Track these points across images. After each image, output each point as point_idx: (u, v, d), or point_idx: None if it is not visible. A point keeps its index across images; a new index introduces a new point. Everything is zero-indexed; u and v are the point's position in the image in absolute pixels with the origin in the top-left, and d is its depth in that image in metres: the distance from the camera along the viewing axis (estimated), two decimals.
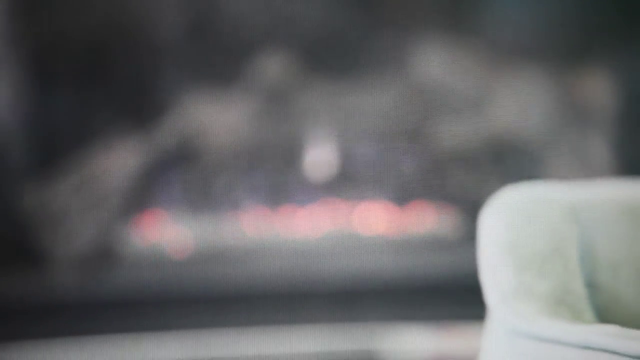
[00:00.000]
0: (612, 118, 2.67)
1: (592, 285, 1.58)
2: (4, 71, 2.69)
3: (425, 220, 2.67)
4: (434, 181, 2.68)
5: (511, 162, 2.66)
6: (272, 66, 2.68)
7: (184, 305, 2.61)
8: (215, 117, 2.70)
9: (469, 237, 2.02)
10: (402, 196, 2.66)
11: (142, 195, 2.71)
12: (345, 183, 2.69)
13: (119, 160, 2.69)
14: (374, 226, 2.69)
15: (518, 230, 1.56)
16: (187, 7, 2.73)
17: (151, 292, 2.63)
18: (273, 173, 2.70)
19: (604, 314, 1.57)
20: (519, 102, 2.68)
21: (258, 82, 2.68)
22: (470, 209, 2.34)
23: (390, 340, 2.55)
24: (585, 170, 2.60)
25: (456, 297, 2.34)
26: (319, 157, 2.69)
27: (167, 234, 2.70)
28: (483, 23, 2.74)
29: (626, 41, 2.67)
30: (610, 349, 1.27)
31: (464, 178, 2.66)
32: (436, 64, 2.66)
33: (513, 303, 1.50)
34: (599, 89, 2.66)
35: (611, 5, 2.71)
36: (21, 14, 2.73)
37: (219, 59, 2.71)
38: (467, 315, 2.33)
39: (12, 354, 2.59)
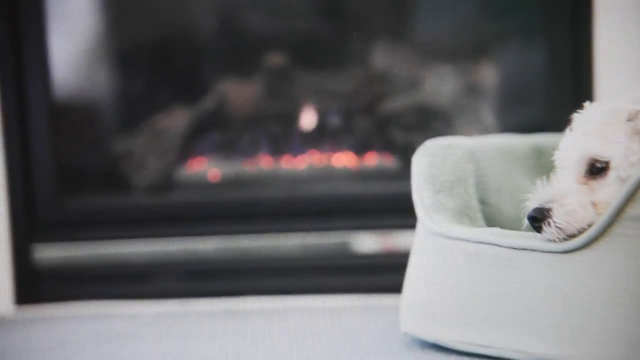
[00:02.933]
0: (496, 95, 2.90)
1: (483, 203, 2.06)
2: (101, 63, 3.02)
3: (376, 161, 2.94)
4: (382, 137, 2.95)
5: (432, 124, 2.89)
6: (275, 60, 2.97)
7: (217, 214, 2.92)
8: (238, 94, 3.01)
9: (405, 172, 2.10)
10: (361, 148, 2.96)
11: (190, 145, 3.03)
12: (323, 139, 2.98)
13: (175, 122, 3.02)
14: (341, 164, 2.96)
15: (435, 166, 2.01)
16: (218, 19, 2.99)
17: (197, 203, 2.96)
18: (276, 132, 3.00)
19: (491, 222, 2.03)
20: (438, 84, 2.92)
21: (265, 71, 2.98)
22: (406, 154, 2.45)
23: (355, 238, 2.87)
24: (479, 129, 2.81)
25: (398, 211, 2.53)
26: (306, 122, 2.99)
27: (206, 169, 3.00)
28: (416, 30, 2.99)
29: (506, 43, 2.87)
30: (494, 243, 1.82)
31: (402, 135, 2.90)
32: (383, 58, 2.93)
33: (433, 214, 1.95)
34: (489, 75, 2.90)
35: (496, 20, 2.87)
36: (111, 24, 3.03)
37: (240, 55, 3.00)
38: (405, 223, 2.47)
39: (109, 245, 2.93)
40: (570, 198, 1.76)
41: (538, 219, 1.76)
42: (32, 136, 2.97)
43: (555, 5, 2.78)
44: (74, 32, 3.02)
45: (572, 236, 1.72)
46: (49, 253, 2.96)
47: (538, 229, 1.75)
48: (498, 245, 1.81)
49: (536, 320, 1.75)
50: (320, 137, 2.98)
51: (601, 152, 1.77)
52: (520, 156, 2.13)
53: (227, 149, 3.01)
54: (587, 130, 1.80)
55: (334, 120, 2.97)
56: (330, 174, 2.96)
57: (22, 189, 2.96)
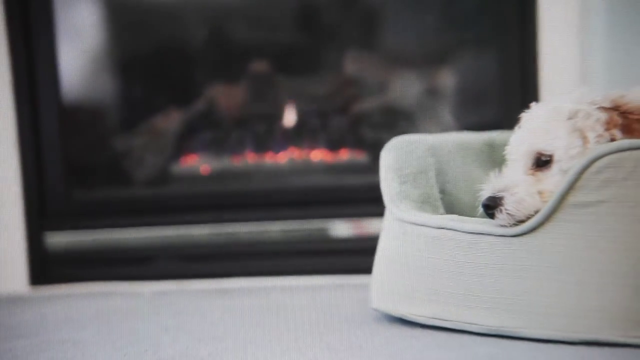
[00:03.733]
0: (454, 97, 2.88)
1: (443, 192, 2.02)
2: (105, 71, 3.00)
3: (348, 156, 2.93)
4: (353, 135, 2.94)
5: (398, 123, 2.88)
6: (259, 67, 2.96)
7: (208, 204, 2.92)
8: (226, 97, 2.99)
9: (374, 165, 2.07)
10: (335, 144, 2.95)
11: (184, 143, 3.02)
12: (302, 137, 2.97)
13: (170, 123, 3.00)
14: (318, 158, 2.95)
15: (400, 160, 1.97)
16: (208, 31, 2.97)
17: (190, 195, 2.96)
18: (260, 131, 2.98)
19: (450, 209, 2.00)
20: (403, 88, 2.90)
21: (250, 76, 2.96)
22: (375, 150, 2.39)
23: (331, 224, 2.86)
24: (439, 127, 2.80)
25: (368, 200, 2.46)
26: (287, 122, 2.98)
27: (198, 164, 2.98)
28: (383, 40, 2.96)
29: (463, 52, 2.85)
30: (453, 228, 1.82)
31: (371, 133, 2.90)
32: (354, 65, 2.93)
33: (398, 202, 1.93)
34: (447, 80, 2.87)
35: (454, 31, 2.86)
36: (113, 36, 3.00)
37: (227, 63, 2.98)
38: (374, 211, 2.44)
39: (112, 232, 2.91)
40: (519, 187, 1.76)
41: (491, 207, 1.76)
42: (43, 136, 2.97)
43: (506, 19, 2.77)
44: (81, 44, 3.00)
45: (521, 221, 1.72)
46: (59, 239, 2.97)
47: (491, 216, 1.75)
48: (456, 230, 1.81)
49: (489, 295, 1.75)
50: (299, 135, 2.97)
51: (545, 147, 1.77)
52: (475, 151, 2.12)
53: (217, 146, 3.00)
54: (533, 127, 1.81)
55: (311, 120, 2.97)
56: (308, 168, 2.96)
57: (35, 183, 2.96)
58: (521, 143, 1.83)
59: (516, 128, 1.87)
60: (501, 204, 1.76)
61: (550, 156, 1.77)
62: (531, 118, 1.84)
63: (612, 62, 2.41)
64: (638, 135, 1.71)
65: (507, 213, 1.75)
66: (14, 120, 2.93)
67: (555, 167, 1.75)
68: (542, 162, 1.77)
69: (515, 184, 1.78)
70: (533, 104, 1.87)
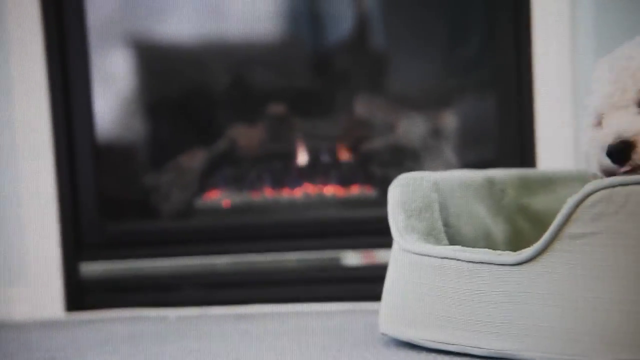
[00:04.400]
0: (456, 137, 2.86)
1: (446, 225, 2.01)
2: (136, 113, 3.01)
3: (359, 191, 2.93)
4: (363, 172, 2.93)
5: (404, 161, 2.87)
6: (276, 109, 2.95)
7: (229, 235, 2.92)
8: (246, 137, 2.98)
9: (383, 200, 2.05)
10: (347, 180, 2.95)
11: (207, 179, 3.01)
12: (316, 173, 2.97)
13: (195, 161, 3.00)
14: (331, 193, 2.95)
15: (407, 195, 1.97)
16: (230, 77, 2.98)
17: (212, 227, 2.95)
18: (277, 168, 2.98)
19: (452, 241, 1.99)
20: (410, 128, 2.89)
21: (268, 118, 2.97)
22: (383, 185, 2.42)
23: (343, 254, 2.85)
24: (442, 165, 2.78)
25: (377, 232, 2.43)
26: (302, 159, 2.98)
27: (220, 198, 2.99)
28: (390, 84, 2.95)
29: (464, 95, 2.86)
30: (456, 257, 1.79)
31: (380, 170, 2.88)
32: (365, 107, 2.92)
33: (405, 235, 1.92)
34: (450, 121, 2.87)
35: (456, 76, 2.86)
36: (143, 81, 3.03)
37: (247, 105, 2.97)
38: (383, 242, 2.40)
39: (141, 262, 2.92)
40: None
41: (620, 151, 1.62)
42: (79, 173, 2.97)
43: (504, 65, 2.77)
44: (114, 89, 3.01)
45: None
46: (92, 269, 2.97)
47: (621, 161, 1.63)
48: (459, 260, 1.80)
49: (491, 320, 1.74)
50: (313, 172, 2.97)
51: None
52: (475, 187, 2.10)
53: (237, 182, 3.00)
54: (633, 70, 1.65)
55: (324, 158, 2.97)
56: (321, 202, 2.95)
57: (71, 216, 2.96)
58: (624, 87, 1.66)
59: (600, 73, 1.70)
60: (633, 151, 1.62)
61: None
62: (622, 59, 1.67)
63: None
64: None
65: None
66: (53, 160, 2.93)
67: None
68: None
69: None
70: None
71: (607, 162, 1.64)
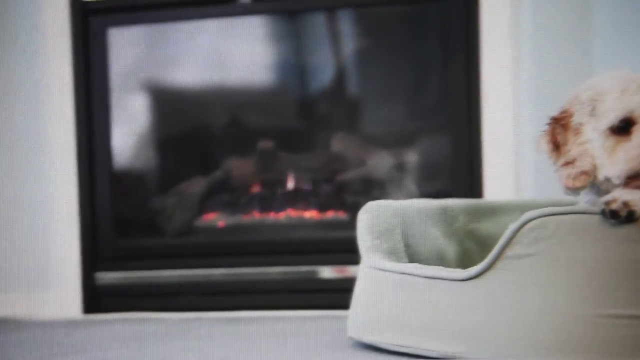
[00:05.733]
0: (416, 171, 2.85)
1: (406, 246, 1.97)
2: (147, 146, 3.02)
3: (334, 215, 2.90)
4: (338, 199, 2.92)
5: (372, 191, 2.85)
6: (265, 145, 2.94)
7: (223, 251, 2.90)
8: (240, 168, 2.98)
9: (353, 224, 2.02)
10: (324, 206, 2.92)
11: (205, 203, 2.99)
12: (298, 200, 2.94)
13: (196, 188, 2.99)
14: (310, 217, 2.92)
15: (373, 220, 1.94)
16: (227, 116, 2.98)
17: (209, 244, 2.93)
18: (265, 194, 2.97)
19: (411, 259, 1.94)
20: (377, 162, 2.87)
21: (259, 152, 2.95)
22: (354, 211, 2.13)
23: (320, 269, 2.82)
24: (404, 195, 2.76)
25: (348, 250, 2.23)
26: (286, 188, 2.96)
27: (216, 219, 2.97)
28: (364, 125, 2.95)
29: (424, 135, 2.84)
30: (413, 273, 1.76)
31: (352, 198, 2.87)
32: (340, 144, 2.92)
33: (371, 253, 1.89)
34: (413, 157, 2.84)
35: (418, 119, 2.85)
36: (154, 119, 3.05)
37: (241, 141, 2.97)
38: (353, 259, 2.15)
39: (148, 273, 2.91)
40: None
41: None
42: (97, 196, 2.97)
43: (457, 112, 2.75)
44: (130, 125, 3.02)
45: None
46: (106, 277, 2.96)
47: None
48: (416, 275, 1.77)
49: (442, 327, 1.71)
50: (295, 198, 2.95)
51: None
52: (431, 214, 2.08)
53: (231, 205, 2.98)
54: None
55: (305, 187, 2.96)
56: (302, 224, 2.92)
57: (90, 233, 2.96)
58: None
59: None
60: None
61: None
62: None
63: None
64: None
65: None
66: (76, 185, 2.94)
67: None
68: None
69: None
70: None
71: None
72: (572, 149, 1.63)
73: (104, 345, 2.19)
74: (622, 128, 1.57)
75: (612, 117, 1.58)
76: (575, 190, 1.66)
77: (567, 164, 1.64)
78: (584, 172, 1.62)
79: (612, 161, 1.58)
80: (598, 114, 1.59)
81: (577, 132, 1.62)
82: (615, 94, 1.57)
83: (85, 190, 2.95)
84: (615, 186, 1.58)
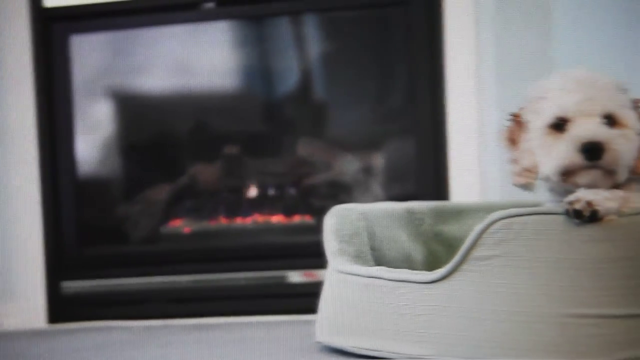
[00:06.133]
0: (382, 174, 2.85)
1: (373, 249, 2.00)
2: (112, 153, 2.99)
3: (300, 220, 2.91)
4: (304, 203, 2.92)
5: (338, 194, 2.85)
6: (231, 150, 2.93)
7: (189, 258, 2.90)
8: (205, 174, 2.96)
9: (320, 228, 2.02)
10: (290, 210, 2.93)
11: (171, 210, 2.99)
12: (264, 205, 2.94)
13: (161, 194, 2.98)
14: (277, 221, 2.92)
15: (339, 224, 1.95)
16: (192, 122, 2.96)
17: (175, 247, 2.92)
18: (231, 200, 2.96)
19: (378, 263, 1.96)
20: (344, 166, 2.88)
21: (224, 157, 2.94)
22: (320, 215, 2.11)
23: (287, 273, 2.83)
24: (370, 198, 2.77)
25: (315, 254, 2.19)
26: (252, 193, 2.96)
27: (182, 226, 2.96)
28: (330, 129, 2.94)
29: (389, 139, 2.85)
30: (379, 276, 1.76)
31: (318, 202, 2.86)
32: (306, 149, 2.91)
33: (337, 257, 1.89)
34: (379, 161, 2.85)
35: (383, 123, 2.86)
36: (118, 126, 3.00)
37: (206, 146, 2.96)
38: (320, 263, 2.13)
39: (114, 280, 2.88)
40: (618, 140, 1.53)
41: (594, 150, 1.51)
42: (62, 204, 2.95)
43: (423, 116, 2.76)
44: (93, 132, 3.00)
45: (612, 173, 1.56)
46: (72, 286, 2.94)
47: (595, 157, 1.52)
48: (383, 279, 1.77)
49: (409, 330, 1.71)
50: (262, 203, 2.95)
51: (616, 110, 1.56)
52: (398, 216, 2.08)
53: (197, 211, 2.97)
54: (602, 87, 1.57)
55: (271, 191, 2.95)
56: (268, 229, 2.92)
57: (54, 242, 2.94)
58: (592, 101, 1.56)
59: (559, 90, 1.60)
60: (603, 151, 1.52)
61: (617, 120, 1.57)
62: (589, 79, 1.58)
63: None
64: None
65: (608, 161, 1.53)
66: (39, 193, 2.92)
67: (629, 132, 1.57)
68: (609, 123, 1.56)
69: (611, 135, 1.53)
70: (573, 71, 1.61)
71: (579, 159, 1.54)
72: (521, 146, 1.66)
73: (70, 355, 2.18)
74: (559, 126, 1.59)
75: (548, 114, 1.60)
76: (522, 187, 1.68)
77: (514, 160, 1.67)
78: (526, 169, 1.65)
79: (547, 158, 1.61)
80: (539, 112, 1.62)
81: (526, 129, 1.66)
82: (556, 92, 1.60)
83: (48, 198, 2.92)
84: (567, 185, 1.60)
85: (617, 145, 1.53)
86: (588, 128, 1.53)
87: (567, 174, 1.58)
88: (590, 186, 1.56)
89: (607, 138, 1.53)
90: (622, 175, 1.58)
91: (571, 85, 1.58)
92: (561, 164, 1.56)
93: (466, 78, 2.68)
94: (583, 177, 1.56)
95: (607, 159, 1.53)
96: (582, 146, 1.53)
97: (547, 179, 1.64)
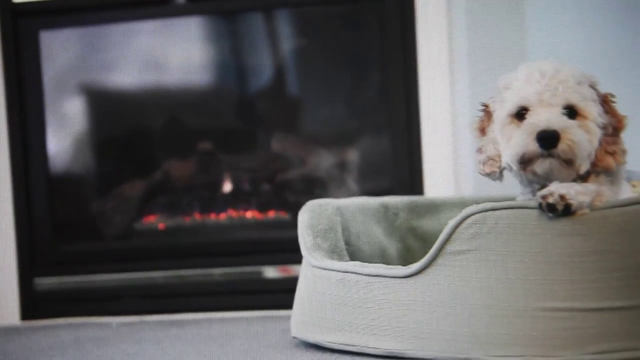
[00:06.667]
0: (357, 170, 2.85)
1: (348, 244, 2.01)
2: (84, 149, 2.96)
3: (275, 215, 2.89)
4: (279, 199, 2.91)
5: (313, 189, 2.85)
6: (205, 146, 2.91)
7: (164, 253, 2.88)
8: (179, 170, 2.95)
9: (295, 223, 2.01)
10: (265, 206, 2.91)
11: (145, 206, 2.96)
12: (238, 200, 2.92)
13: (135, 190, 2.96)
14: (251, 217, 2.90)
15: (314, 219, 1.96)
16: (165, 118, 2.93)
17: (150, 243, 2.91)
18: (205, 195, 2.94)
19: (353, 258, 1.97)
20: (317, 161, 2.87)
21: (198, 153, 2.92)
22: (295, 210, 2.14)
23: (262, 269, 2.81)
24: (345, 193, 2.77)
25: (290, 250, 2.25)
26: (226, 188, 2.94)
27: (156, 222, 2.94)
28: (303, 124, 2.95)
29: (363, 134, 2.83)
30: (355, 271, 1.77)
31: (293, 197, 2.86)
32: (280, 144, 2.91)
33: (312, 252, 1.89)
34: (352, 156, 2.85)
35: (358, 118, 2.85)
36: (91, 122, 2.98)
37: (180, 142, 2.94)
38: (295, 258, 2.15)
39: (88, 277, 2.87)
40: (573, 130, 1.55)
41: (548, 139, 1.54)
42: (34, 201, 2.93)
43: (396, 111, 2.77)
44: (65, 128, 2.98)
45: (570, 162, 1.58)
46: (45, 282, 2.91)
47: (549, 147, 1.54)
48: (358, 273, 1.77)
49: (385, 325, 1.72)
50: (236, 199, 2.93)
51: (578, 102, 1.58)
52: (372, 211, 2.09)
53: (171, 207, 2.95)
54: (564, 79, 1.58)
55: (246, 187, 2.94)
56: (243, 225, 2.91)
57: (27, 238, 2.92)
58: (553, 91, 1.58)
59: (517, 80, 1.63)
60: (557, 139, 1.54)
61: (579, 111, 1.59)
62: (553, 71, 1.60)
63: None
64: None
65: (563, 150, 1.54)
66: (10, 189, 2.90)
67: (590, 124, 1.59)
68: (570, 114, 1.58)
69: (567, 125, 1.55)
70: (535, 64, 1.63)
71: (534, 147, 1.56)
72: (487, 136, 1.69)
73: (44, 352, 2.16)
74: (520, 115, 1.61)
75: (511, 104, 1.62)
76: (488, 176, 1.69)
77: (479, 149, 1.70)
78: (490, 158, 1.67)
79: (507, 146, 1.62)
80: (504, 102, 1.64)
81: (493, 119, 1.68)
82: (520, 82, 1.62)
83: (20, 195, 2.90)
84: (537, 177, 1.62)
85: (573, 135, 1.56)
86: (544, 117, 1.55)
87: (525, 162, 1.60)
88: (548, 175, 1.58)
89: (563, 127, 1.55)
90: (583, 167, 1.60)
91: (535, 76, 1.60)
92: (518, 152, 1.58)
93: (439, 72, 2.69)
94: (540, 166, 1.58)
95: (562, 147, 1.55)
96: (537, 134, 1.54)
97: (509, 168, 1.66)
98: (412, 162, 2.75)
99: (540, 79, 1.59)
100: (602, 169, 1.63)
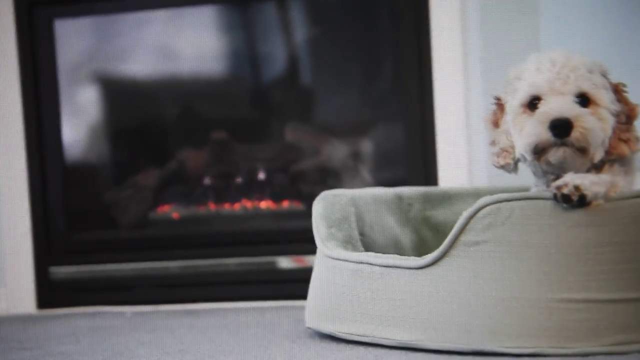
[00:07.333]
0: (371, 160, 2.85)
1: (362, 234, 2.00)
2: (99, 138, 2.99)
3: (289, 205, 2.90)
4: (293, 189, 2.91)
5: (327, 180, 2.85)
6: (219, 135, 2.92)
7: (179, 243, 2.89)
8: (194, 159, 2.95)
9: (309, 213, 2.02)
10: (279, 196, 2.91)
11: (160, 195, 2.98)
12: (253, 190, 2.92)
13: (150, 179, 2.98)
14: (265, 207, 2.91)
15: (328, 209, 1.96)
16: (180, 107, 2.96)
17: (164, 236, 2.92)
18: (220, 185, 2.94)
19: (367, 248, 1.97)
20: (332, 152, 2.87)
21: (212, 143, 2.93)
22: (309, 200, 2.14)
23: (276, 259, 2.82)
24: (359, 183, 2.77)
25: (305, 240, 2.26)
26: (241, 178, 2.94)
27: (171, 211, 2.95)
28: (318, 114, 2.95)
29: (378, 124, 2.85)
30: (369, 262, 1.76)
31: (307, 187, 2.86)
32: (294, 134, 2.91)
33: (327, 242, 1.89)
34: (366, 146, 2.85)
35: (372, 108, 2.86)
36: (106, 111, 3.01)
37: (194, 132, 2.96)
38: (310, 249, 2.15)
39: (103, 266, 2.89)
40: (586, 117, 1.54)
41: (561, 127, 1.52)
42: (49, 190, 2.95)
43: (411, 101, 2.76)
44: (80, 117, 2.99)
45: (583, 150, 1.56)
46: (61, 271, 2.94)
47: (563, 135, 1.53)
48: (372, 264, 1.77)
49: (398, 315, 1.72)
50: (250, 189, 2.94)
51: (590, 90, 1.57)
52: (386, 202, 2.08)
53: (185, 197, 2.96)
54: (575, 67, 1.58)
55: (260, 177, 2.94)
56: (257, 215, 2.92)
57: (43, 228, 2.94)
58: (565, 79, 1.57)
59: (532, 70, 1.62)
60: (571, 127, 1.53)
61: (591, 99, 1.58)
62: (564, 59, 1.59)
63: None
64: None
65: (576, 138, 1.53)
66: (26, 178, 2.92)
67: (602, 111, 1.58)
68: (583, 102, 1.57)
69: (580, 113, 1.54)
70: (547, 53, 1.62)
71: (547, 135, 1.55)
72: (501, 128, 1.68)
73: (59, 340, 2.17)
74: (532, 104, 1.61)
75: (522, 94, 1.62)
76: (502, 168, 1.70)
77: (493, 142, 1.70)
78: (504, 150, 1.67)
79: (520, 136, 1.62)
80: (516, 93, 1.63)
81: (506, 110, 1.67)
82: (531, 72, 1.62)
83: (36, 184, 2.92)
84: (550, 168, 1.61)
85: (586, 123, 1.55)
86: (556, 105, 1.54)
87: (538, 152, 1.60)
88: (562, 165, 1.58)
89: (576, 115, 1.55)
90: (597, 155, 1.60)
91: (545, 65, 1.59)
92: (532, 141, 1.58)
93: (453, 63, 2.68)
94: (554, 155, 1.58)
95: (575, 135, 1.55)
96: (549, 123, 1.53)
97: (523, 159, 1.65)
98: (426, 153, 2.75)
99: (551, 67, 1.59)
100: (616, 156, 1.62)
